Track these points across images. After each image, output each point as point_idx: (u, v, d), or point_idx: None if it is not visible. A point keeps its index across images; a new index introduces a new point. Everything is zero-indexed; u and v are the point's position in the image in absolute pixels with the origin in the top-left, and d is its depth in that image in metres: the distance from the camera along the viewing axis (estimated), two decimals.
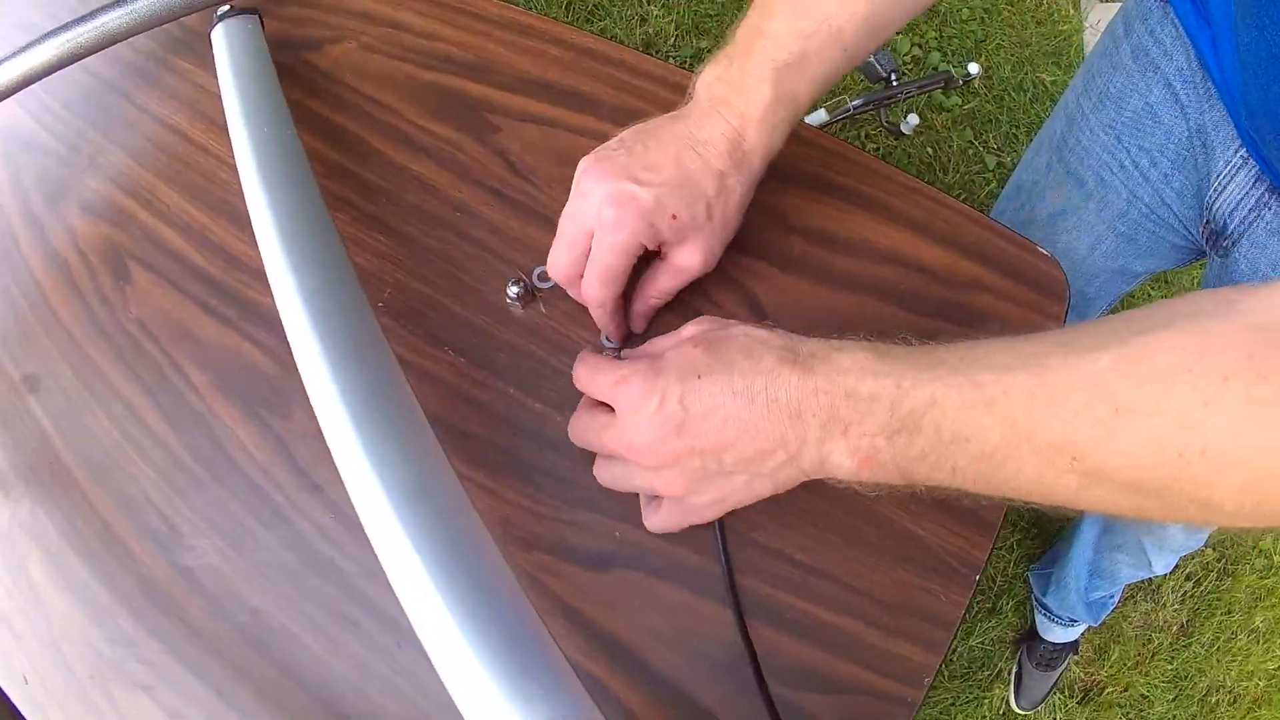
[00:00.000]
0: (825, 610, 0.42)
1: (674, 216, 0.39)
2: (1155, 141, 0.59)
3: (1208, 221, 0.58)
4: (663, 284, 0.42)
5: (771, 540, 0.42)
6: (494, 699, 0.32)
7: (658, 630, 0.41)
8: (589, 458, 0.43)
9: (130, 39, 0.55)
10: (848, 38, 0.40)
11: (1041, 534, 1.17)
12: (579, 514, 0.42)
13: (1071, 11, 1.48)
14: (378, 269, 0.47)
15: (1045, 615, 1.12)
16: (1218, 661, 1.00)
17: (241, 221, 0.52)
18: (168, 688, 0.44)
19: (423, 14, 0.54)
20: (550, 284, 0.45)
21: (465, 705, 0.33)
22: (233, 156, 0.53)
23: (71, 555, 0.48)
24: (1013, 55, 1.40)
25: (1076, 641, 1.10)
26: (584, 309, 0.46)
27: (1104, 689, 0.98)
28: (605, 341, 0.44)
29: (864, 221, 0.47)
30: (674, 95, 0.49)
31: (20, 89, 0.56)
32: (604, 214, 0.39)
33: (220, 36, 0.53)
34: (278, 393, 0.46)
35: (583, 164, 0.40)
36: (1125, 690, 0.98)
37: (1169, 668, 1.00)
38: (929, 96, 1.14)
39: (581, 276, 0.41)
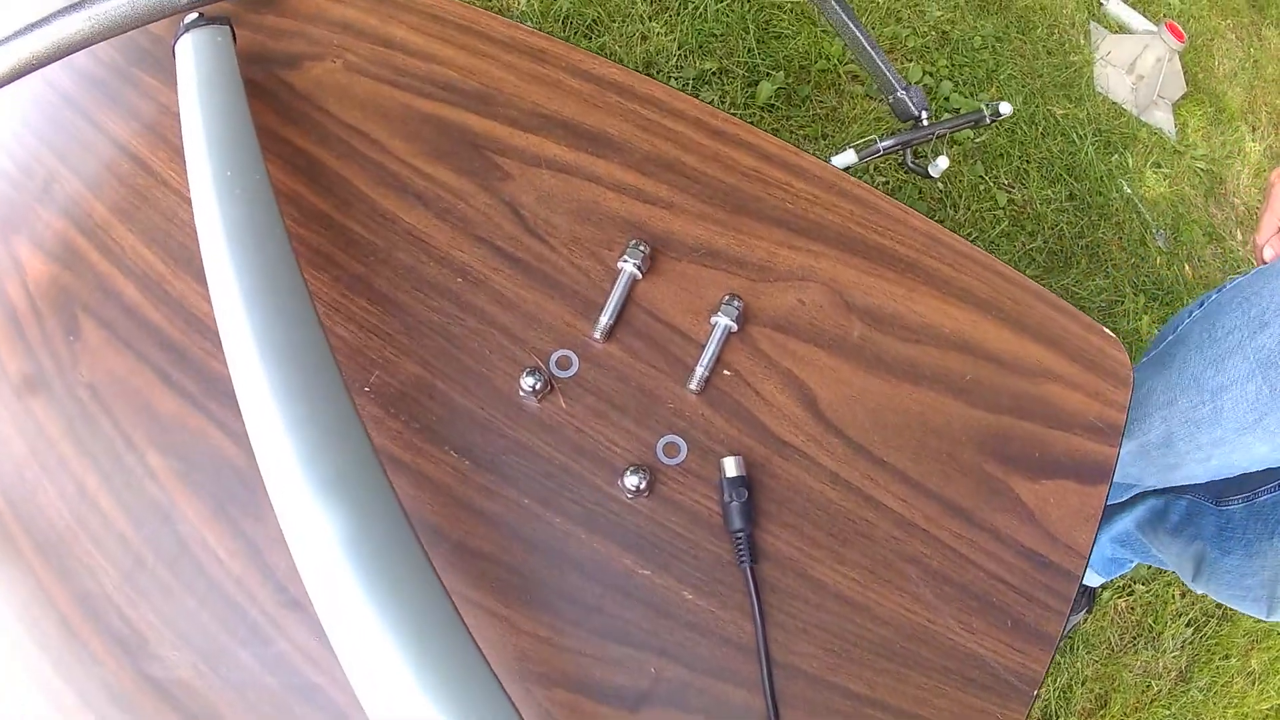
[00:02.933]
0: None
1: None
2: None
3: None
4: None
5: (824, 672, 0.29)
6: None
7: None
8: (618, 583, 0.29)
9: (92, 46, 0.36)
10: None
11: None
12: (608, 647, 0.28)
13: (1082, 42, 1.25)
14: (363, 344, 0.31)
15: None
16: (1214, 705, 0.87)
17: (204, 274, 0.35)
18: None
19: (419, 30, 0.36)
20: (573, 371, 0.30)
21: None
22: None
23: (31, 647, 0.33)
24: (1024, 86, 1.16)
25: (1092, 592, 0.94)
26: (613, 405, 0.30)
27: None
28: (731, 476, 0.28)
29: (927, 300, 0.32)
30: (711, 141, 0.33)
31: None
32: None
33: (186, 50, 0.35)
34: (248, 489, 0.31)
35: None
36: None
37: (1166, 713, 0.86)
38: (945, 137, 0.94)
39: None
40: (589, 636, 0.29)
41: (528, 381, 0.29)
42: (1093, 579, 0.89)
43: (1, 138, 0.42)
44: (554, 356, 0.30)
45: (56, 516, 0.34)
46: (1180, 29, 1.18)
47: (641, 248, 0.30)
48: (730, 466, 0.28)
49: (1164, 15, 1.31)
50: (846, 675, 0.29)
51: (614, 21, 1.14)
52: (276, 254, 0.29)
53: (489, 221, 0.32)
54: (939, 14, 1.17)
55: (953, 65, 1.13)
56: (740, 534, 0.28)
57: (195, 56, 0.35)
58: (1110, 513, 0.79)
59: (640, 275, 0.30)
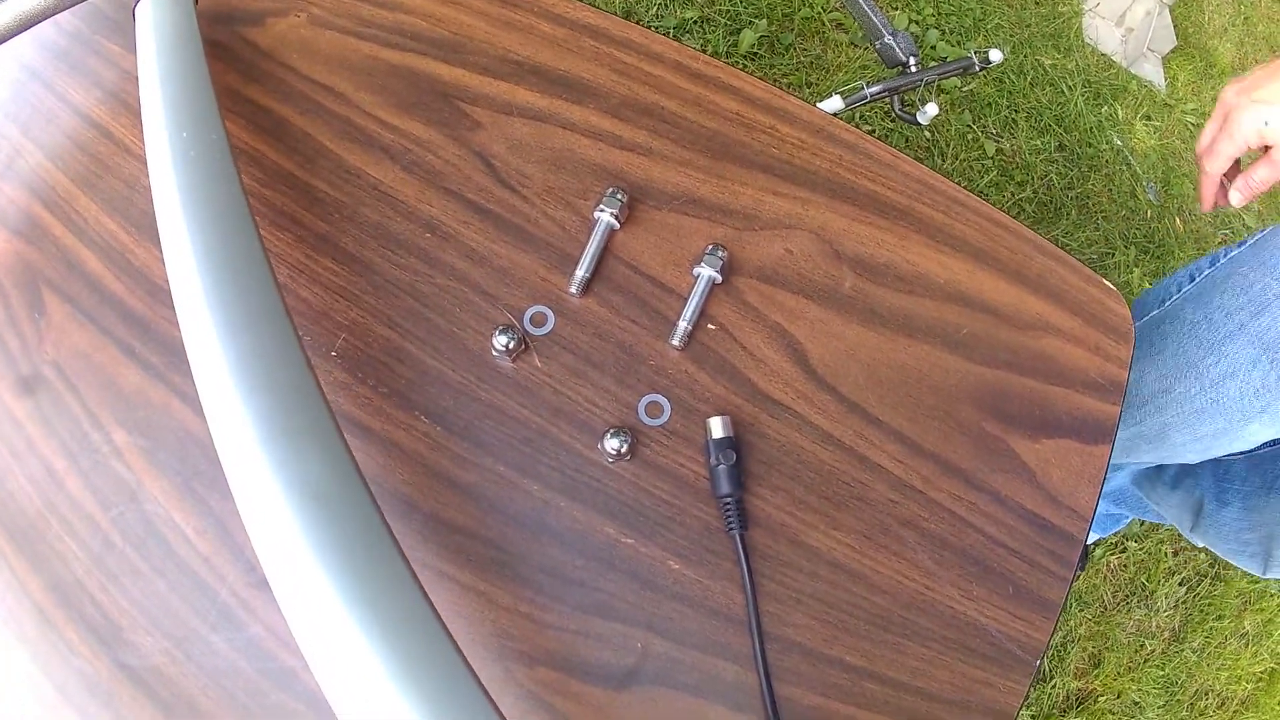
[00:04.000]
0: (879, 717, 0.25)
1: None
2: None
3: None
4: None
5: (819, 644, 0.25)
6: None
7: None
8: (601, 554, 0.25)
9: (54, 16, 0.32)
10: None
11: None
12: (592, 622, 0.24)
13: None
14: (329, 306, 0.27)
15: None
16: (1207, 666, 0.82)
17: None
18: None
19: None
20: (548, 327, 0.26)
21: None
22: None
23: (11, 640, 0.29)
24: (1012, 36, 1.07)
25: (1086, 550, 0.88)
26: (591, 363, 0.26)
27: (1097, 697, 0.82)
28: (717, 437, 0.24)
29: (921, 249, 0.28)
30: (693, 85, 0.29)
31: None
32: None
33: (145, 12, 0.31)
34: (214, 464, 0.27)
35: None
36: (1118, 697, 0.81)
37: (1160, 674, 0.82)
38: (934, 85, 0.86)
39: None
40: (572, 612, 0.25)
41: (501, 340, 0.25)
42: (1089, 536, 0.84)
43: None
44: (528, 313, 0.26)
45: (27, 502, 0.30)
46: None
47: (619, 196, 0.26)
48: (717, 427, 0.24)
49: None
50: (843, 647, 0.25)
51: None
52: (232, 216, 0.25)
53: (459, 173, 0.27)
54: None
55: (939, 14, 1.05)
56: (728, 499, 0.24)
57: (155, 17, 0.31)
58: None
59: (618, 225, 0.26)
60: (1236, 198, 0.39)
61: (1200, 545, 0.61)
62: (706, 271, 0.25)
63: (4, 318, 0.32)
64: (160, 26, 0.31)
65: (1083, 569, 0.79)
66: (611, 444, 0.24)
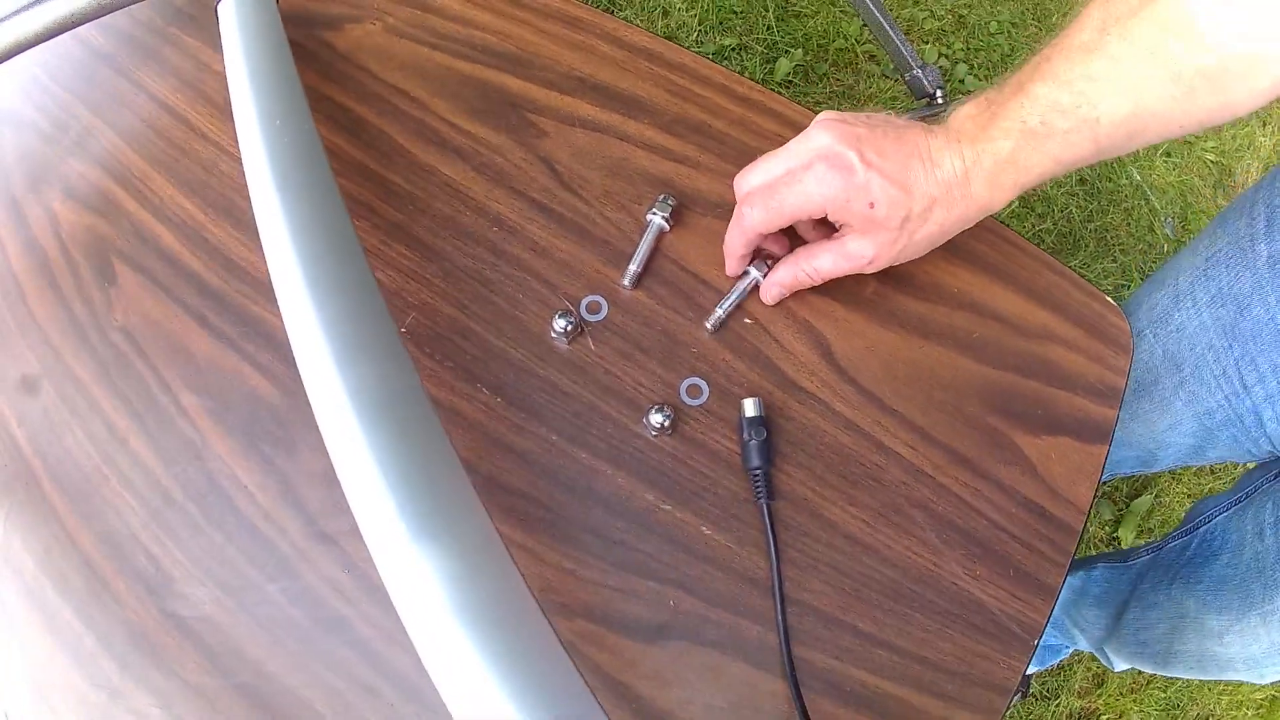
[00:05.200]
0: (886, 681, 0.32)
1: (871, 205, 0.32)
2: (1269, 360, 0.45)
3: None
4: (821, 261, 0.34)
5: (834, 609, 0.32)
6: None
7: (712, 706, 0.30)
8: (640, 518, 0.31)
9: (129, 7, 0.39)
10: (1101, 132, 0.32)
11: None
12: (629, 579, 0.31)
13: None
14: (401, 287, 0.34)
15: None
16: (1209, 692, 0.89)
17: (244, 223, 0.38)
18: None
19: None
20: (602, 314, 0.33)
21: None
22: (234, 145, 0.38)
23: (50, 590, 0.35)
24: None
25: (1027, 679, 0.96)
26: (639, 348, 0.33)
27: (1099, 716, 0.90)
28: (750, 416, 0.32)
29: (937, 261, 0.36)
30: (738, 107, 0.37)
31: (7, 59, 0.40)
32: (816, 166, 0.32)
33: (229, 9, 0.38)
34: (283, 426, 0.33)
35: (824, 115, 0.34)
36: (1120, 718, 0.88)
37: (1162, 696, 0.89)
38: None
39: (755, 199, 0.33)
40: (611, 569, 0.31)
41: (559, 324, 0.31)
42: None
43: (31, 93, 0.45)
44: (584, 301, 0.33)
45: (84, 458, 0.36)
46: None
47: (669, 202, 0.33)
48: (750, 407, 0.31)
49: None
50: (856, 614, 0.32)
51: None
52: (326, 202, 0.32)
53: (525, 175, 0.35)
54: None
55: (968, 49, 1.17)
56: (758, 471, 0.30)
57: (238, 13, 0.38)
58: None
59: (667, 228, 0.34)
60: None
61: (1120, 669, 0.70)
62: (753, 272, 0.33)
63: (71, 285, 0.39)
64: (245, 23, 0.38)
65: (1024, 696, 0.86)
66: (655, 419, 0.31)
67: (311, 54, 0.40)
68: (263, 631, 0.32)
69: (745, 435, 0.31)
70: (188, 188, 0.38)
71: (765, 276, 0.35)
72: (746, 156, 0.37)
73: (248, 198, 0.38)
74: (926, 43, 1.16)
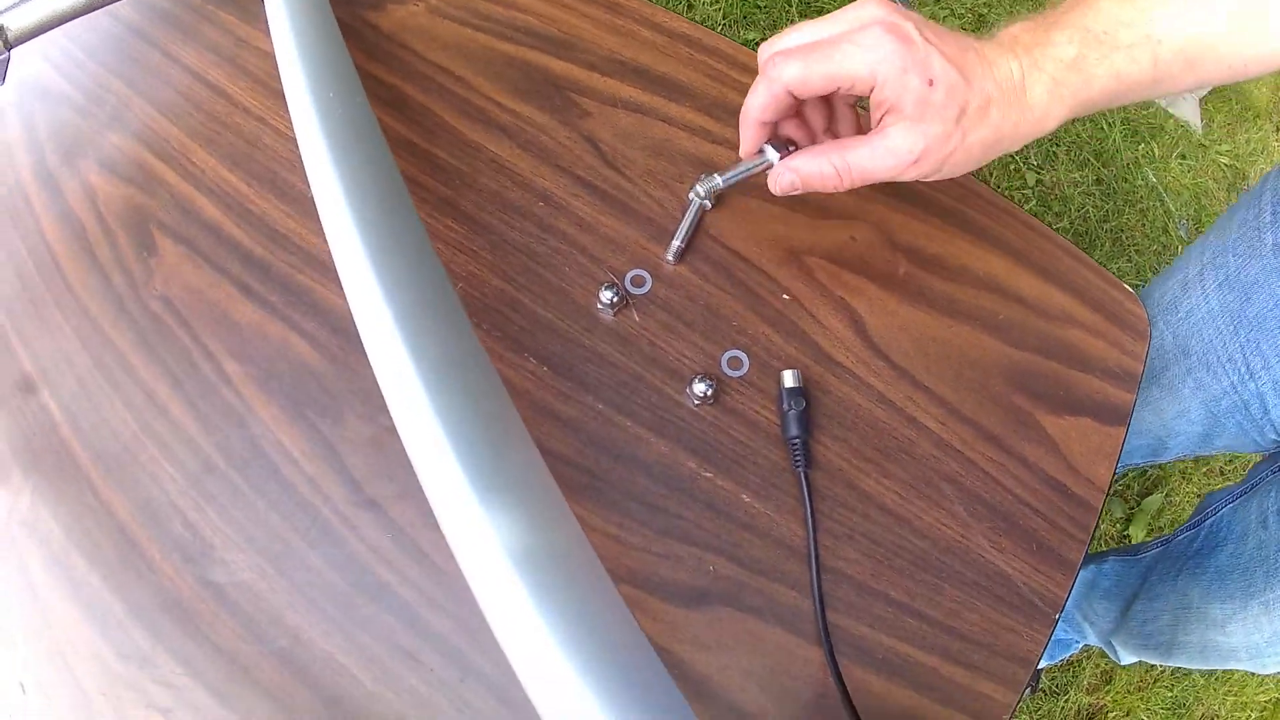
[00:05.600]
0: (917, 650, 0.34)
1: (930, 83, 0.29)
2: (1275, 346, 0.47)
3: None
4: (858, 154, 0.30)
5: (867, 578, 0.34)
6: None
7: (750, 670, 0.33)
8: (682, 485, 0.34)
9: None
10: (1163, 53, 0.31)
11: None
12: (671, 545, 0.33)
13: None
14: (449, 259, 0.36)
15: None
16: (1214, 691, 0.94)
17: (289, 194, 0.40)
18: (188, 712, 0.33)
19: None
20: (646, 288, 0.35)
21: None
22: (279, 119, 0.41)
23: (79, 559, 0.36)
24: None
25: (1037, 674, 1.02)
26: (682, 320, 0.36)
27: (1107, 713, 0.94)
28: (790, 387, 0.33)
29: (964, 244, 0.39)
30: None
31: (42, 33, 0.42)
32: (871, 29, 0.29)
33: None
34: (328, 393, 0.35)
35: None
36: (1126, 715, 0.93)
37: (1169, 695, 0.94)
38: None
39: (792, 54, 0.30)
40: (654, 535, 0.33)
41: (605, 296, 0.34)
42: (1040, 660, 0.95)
43: (63, 67, 0.47)
44: (629, 275, 0.35)
45: (121, 426, 0.37)
46: None
47: (712, 180, 0.36)
48: (789, 378, 0.33)
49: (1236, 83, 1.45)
50: (888, 583, 0.34)
51: None
52: (381, 164, 0.34)
53: (569, 153, 0.37)
54: None
55: None
56: (796, 440, 0.33)
57: None
58: None
59: (709, 206, 0.36)
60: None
61: (1127, 662, 0.73)
62: (769, 152, 0.32)
63: (109, 255, 0.41)
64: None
65: (1034, 691, 0.90)
66: (698, 389, 0.33)
67: (356, 33, 0.42)
68: (302, 598, 0.34)
69: (784, 405, 0.33)
70: (230, 161, 0.40)
71: (781, 160, 0.32)
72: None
73: (293, 171, 0.40)
74: None
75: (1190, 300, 0.50)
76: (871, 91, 0.30)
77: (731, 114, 0.37)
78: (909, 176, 0.31)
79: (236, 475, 0.36)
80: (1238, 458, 0.98)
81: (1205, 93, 1.35)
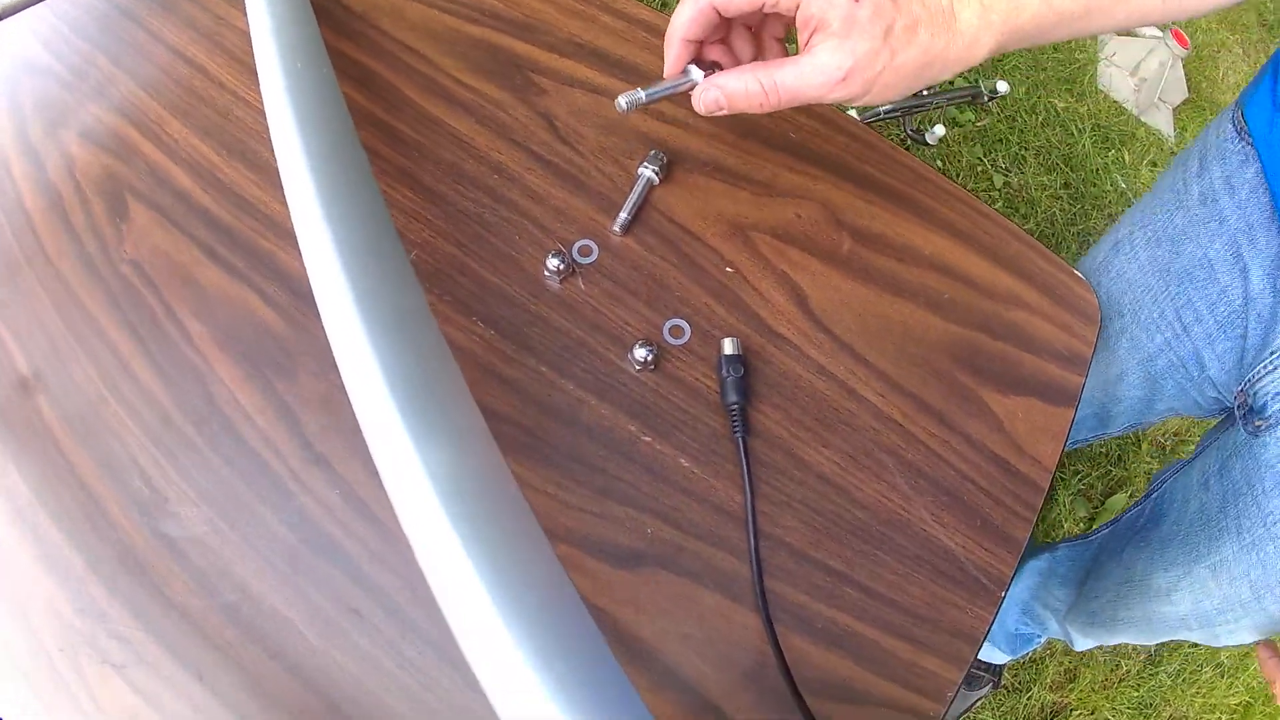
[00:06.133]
0: (856, 621, 0.36)
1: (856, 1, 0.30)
2: (1206, 297, 0.50)
3: (1244, 393, 0.49)
4: (784, 74, 0.31)
5: (805, 546, 0.37)
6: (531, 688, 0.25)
7: (688, 635, 0.35)
8: (622, 448, 0.37)
9: None
10: None
11: None
12: (609, 506, 0.36)
13: (1089, 42, 1.46)
14: (404, 226, 0.39)
15: None
16: (1182, 693, 0.97)
17: (256, 164, 0.44)
18: (142, 668, 0.36)
19: None
20: (593, 257, 0.38)
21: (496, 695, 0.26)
22: (252, 94, 0.45)
23: (42, 514, 0.39)
24: (1028, 78, 1.36)
25: (999, 670, 1.04)
26: (627, 289, 0.39)
27: (1071, 711, 0.96)
28: (729, 354, 0.36)
29: (911, 225, 0.42)
30: None
31: (27, 7, 0.46)
32: None
33: None
34: (286, 354, 0.39)
35: None
36: (1091, 714, 0.96)
37: (1135, 694, 0.97)
38: (943, 110, 1.12)
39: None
40: (592, 495, 0.36)
41: (552, 263, 0.37)
42: (998, 656, 1.02)
43: (51, 42, 0.51)
44: (576, 245, 0.39)
45: (88, 385, 0.41)
46: (1185, 36, 1.36)
47: (660, 157, 0.39)
48: (728, 346, 0.36)
49: (1171, 21, 1.50)
50: (826, 552, 0.37)
51: None
52: (342, 132, 0.38)
53: (525, 129, 0.41)
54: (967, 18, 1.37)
55: (988, 80, 1.30)
56: (735, 406, 0.36)
57: None
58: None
59: (657, 181, 0.39)
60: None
61: (1082, 647, 0.77)
62: (694, 72, 0.34)
63: (83, 221, 0.44)
64: None
65: (996, 688, 0.92)
66: (639, 354, 0.36)
67: (327, 11, 0.46)
68: (252, 551, 0.37)
69: (723, 372, 0.36)
70: (203, 132, 0.44)
71: (707, 78, 0.33)
72: (732, 121, 0.43)
73: (261, 142, 0.44)
74: None
75: (1120, 259, 0.53)
76: (798, 10, 0.31)
77: (684, 96, 0.41)
78: (837, 96, 0.32)
79: (194, 431, 0.39)
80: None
81: (1179, 102, 1.39)
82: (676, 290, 0.39)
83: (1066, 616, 0.72)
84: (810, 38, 0.32)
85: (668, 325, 0.38)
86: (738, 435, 0.36)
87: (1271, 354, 0.45)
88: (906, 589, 0.37)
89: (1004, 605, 0.95)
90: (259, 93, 0.44)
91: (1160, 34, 1.42)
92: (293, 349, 0.39)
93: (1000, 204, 1.22)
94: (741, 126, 0.42)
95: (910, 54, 0.32)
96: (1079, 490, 1.16)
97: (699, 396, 0.37)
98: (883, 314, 0.39)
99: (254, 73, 0.44)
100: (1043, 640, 0.87)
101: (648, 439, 0.37)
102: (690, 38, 0.33)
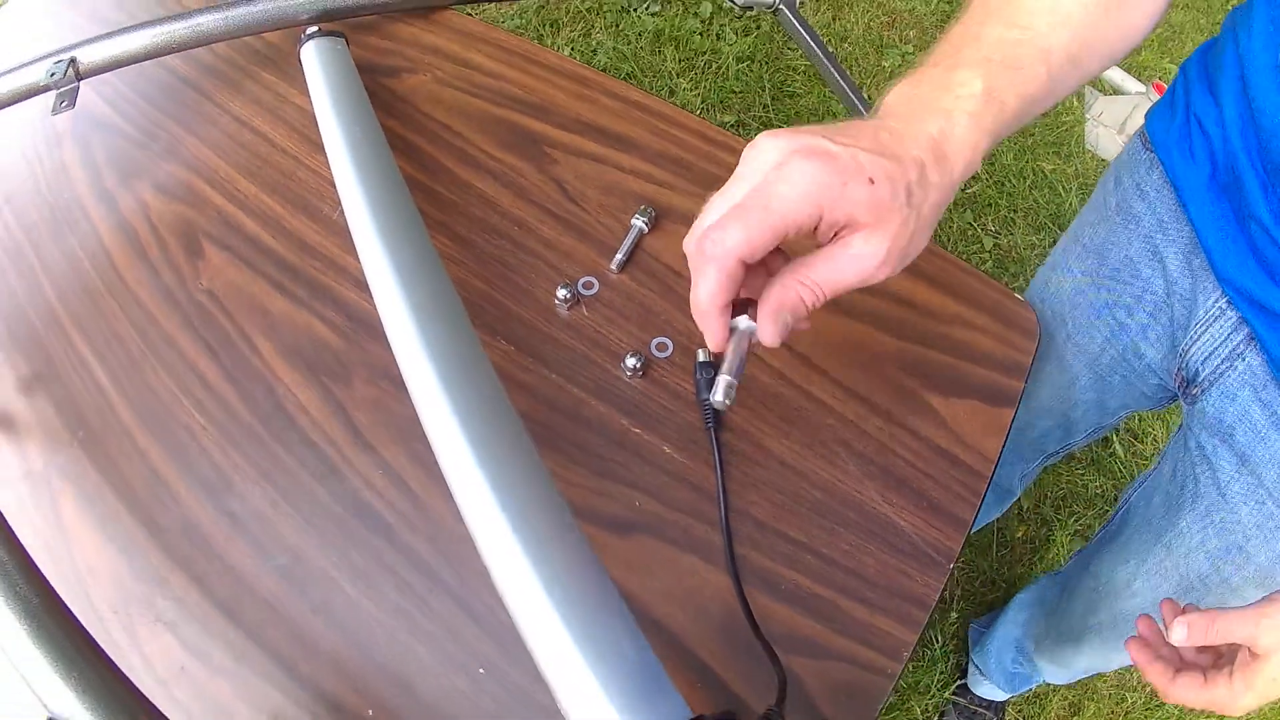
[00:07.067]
0: (816, 584, 0.54)
1: (871, 181, 0.36)
2: (1133, 292, 0.68)
3: (1180, 369, 0.67)
4: (821, 271, 0.38)
5: (769, 519, 0.55)
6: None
7: (669, 592, 0.53)
8: (616, 438, 0.56)
9: (214, 44, 0.70)
10: (1053, 61, 0.43)
11: (980, 600, 1.37)
12: (606, 484, 0.55)
13: (1075, 103, 1.77)
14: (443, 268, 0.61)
15: (975, 669, 1.26)
16: None
17: (317, 217, 0.66)
18: (193, 625, 0.53)
19: (492, 57, 0.70)
20: (594, 290, 0.59)
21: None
22: (312, 160, 0.67)
23: (110, 495, 0.58)
24: (1015, 143, 1.68)
25: (1002, 705, 1.24)
26: (621, 315, 0.60)
27: None
28: (701, 361, 0.56)
29: None
30: (707, 146, 0.66)
31: (102, 72, 0.69)
32: (790, 163, 0.36)
33: (310, 53, 0.69)
34: (341, 365, 0.59)
35: (758, 137, 0.38)
36: None
37: None
38: None
39: (725, 221, 0.37)
40: (591, 475, 0.55)
41: (561, 294, 0.58)
42: (997, 694, 1.23)
43: (119, 106, 0.74)
44: (581, 280, 0.60)
45: (162, 389, 0.60)
46: (1165, 86, 1.67)
47: (650, 211, 0.61)
48: (701, 355, 0.57)
49: (1154, 76, 1.83)
50: (788, 524, 0.55)
51: (645, 76, 1.65)
52: (399, 196, 0.59)
53: (540, 190, 0.63)
54: None
55: None
56: (707, 403, 0.55)
57: (319, 59, 0.68)
58: (995, 625, 1.18)
59: (646, 230, 0.61)
60: None
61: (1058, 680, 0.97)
62: (744, 323, 0.40)
63: (160, 256, 0.66)
64: (324, 65, 0.68)
65: (999, 717, 1.11)
66: (629, 363, 0.56)
67: (375, 95, 0.69)
68: (305, 523, 0.56)
69: (698, 375, 0.56)
70: (269, 188, 0.66)
71: (750, 315, 0.39)
72: (711, 181, 0.65)
73: (321, 199, 0.66)
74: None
75: (1058, 276, 0.74)
76: (819, 224, 0.37)
77: (670, 161, 0.64)
78: (882, 277, 0.38)
79: (258, 425, 0.58)
80: None
81: None
82: (662, 315, 0.59)
83: (1039, 647, 0.90)
84: (837, 235, 0.38)
85: (654, 342, 0.58)
86: (709, 427, 0.56)
87: (1196, 325, 0.63)
88: (861, 559, 0.56)
89: (998, 644, 1.14)
90: (318, 159, 0.67)
91: (1144, 88, 1.75)
92: (347, 361, 0.59)
93: (990, 264, 1.49)
94: (715, 181, 0.65)
95: (932, 198, 0.38)
96: (1076, 531, 1.41)
97: (679, 397, 0.57)
98: (838, 332, 0.60)
99: (312, 143, 0.68)
100: (1039, 682, 1.04)
101: (637, 431, 0.56)
102: (725, 304, 0.38)
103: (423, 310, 0.52)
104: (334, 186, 0.61)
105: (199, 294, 0.63)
